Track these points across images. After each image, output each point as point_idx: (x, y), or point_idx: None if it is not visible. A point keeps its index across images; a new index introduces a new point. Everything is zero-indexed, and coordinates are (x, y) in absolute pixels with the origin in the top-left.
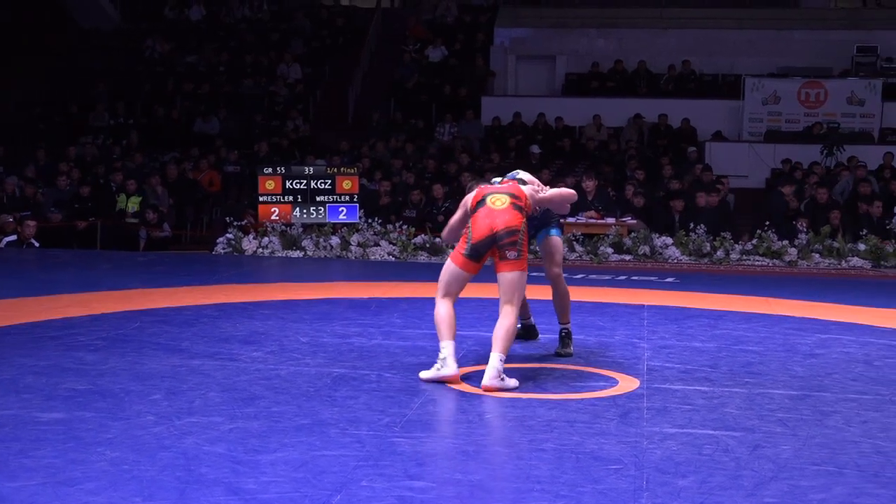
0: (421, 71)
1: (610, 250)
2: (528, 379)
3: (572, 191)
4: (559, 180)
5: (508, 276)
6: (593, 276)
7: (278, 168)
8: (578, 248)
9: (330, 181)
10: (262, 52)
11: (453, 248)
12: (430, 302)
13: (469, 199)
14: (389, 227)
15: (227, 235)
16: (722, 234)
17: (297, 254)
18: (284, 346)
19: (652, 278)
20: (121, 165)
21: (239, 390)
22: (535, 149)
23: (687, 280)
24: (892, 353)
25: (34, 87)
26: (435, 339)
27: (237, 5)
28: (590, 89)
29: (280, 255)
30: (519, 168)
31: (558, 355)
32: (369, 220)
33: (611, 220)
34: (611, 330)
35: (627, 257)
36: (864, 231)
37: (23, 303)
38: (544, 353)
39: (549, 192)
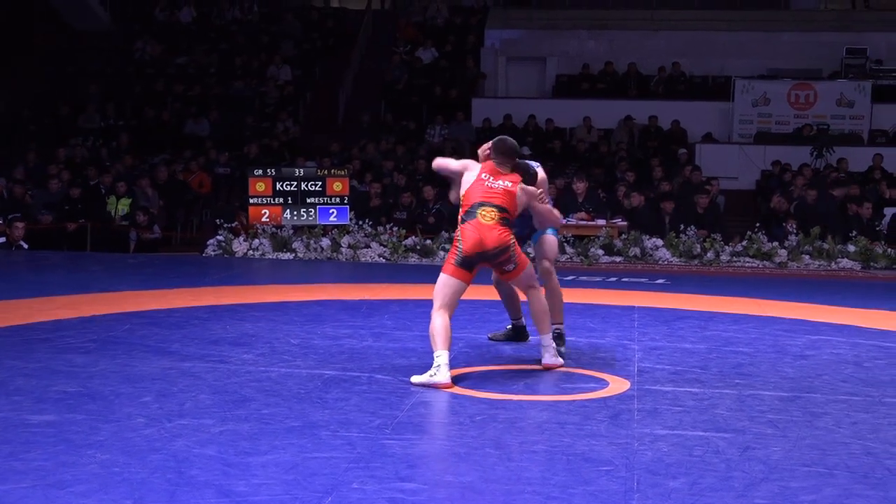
0: (411, 72)
1: (601, 252)
2: (518, 380)
3: (560, 218)
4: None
5: (516, 278)
6: (584, 278)
7: (268, 170)
8: (569, 249)
9: (320, 183)
10: (253, 53)
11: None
12: (422, 304)
13: (471, 174)
14: (380, 228)
15: (218, 237)
16: (712, 235)
17: (287, 256)
18: (275, 348)
19: (642, 280)
20: (111, 167)
21: (230, 392)
22: (526, 150)
23: (677, 281)
24: (881, 354)
25: (24, 89)
26: (426, 340)
27: (227, 7)
28: (580, 91)
29: (270, 256)
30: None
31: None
32: (360, 222)
33: (601, 222)
34: (601, 331)
35: (618, 259)
36: (854, 232)
37: (12, 305)
38: (535, 354)
39: (544, 207)
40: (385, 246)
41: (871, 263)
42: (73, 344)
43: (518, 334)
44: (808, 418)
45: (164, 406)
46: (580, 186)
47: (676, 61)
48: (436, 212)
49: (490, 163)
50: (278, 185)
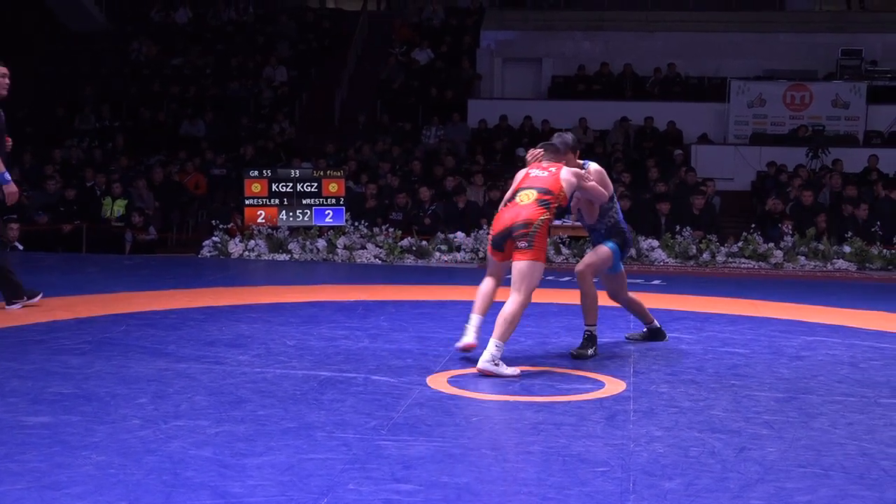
0: (407, 73)
1: None
2: (514, 381)
3: (605, 193)
4: None
5: (518, 264)
6: None
7: (264, 171)
8: (565, 250)
9: (316, 184)
10: (249, 54)
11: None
12: (418, 305)
13: (517, 178)
14: (376, 229)
15: (214, 238)
16: (708, 236)
17: (283, 257)
18: (271, 350)
19: (638, 281)
20: (107, 168)
21: (225, 394)
22: (522, 152)
23: (673, 282)
24: (877, 354)
25: (20, 90)
26: (421, 342)
27: (223, 8)
28: (576, 92)
29: (266, 258)
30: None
31: (573, 356)
32: (356, 223)
33: None
34: (597, 333)
35: None
36: (849, 233)
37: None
38: (531, 355)
39: (591, 184)
40: (381, 247)
41: (867, 264)
42: (68, 345)
43: (654, 335)
44: (804, 419)
45: (159, 407)
46: None
47: (672, 62)
48: (431, 213)
49: (539, 163)
50: (274, 187)
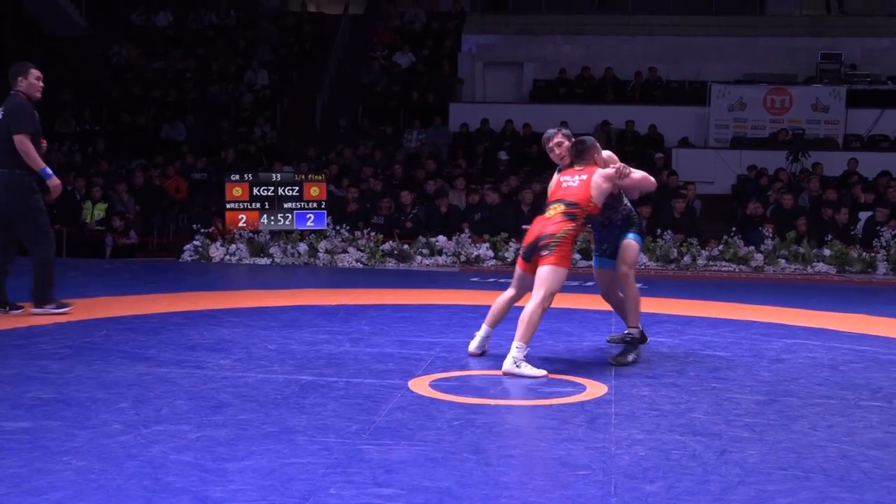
0: (389, 77)
1: (577, 256)
2: (495, 385)
3: (653, 179)
4: (526, 186)
5: (541, 269)
6: None
7: (245, 175)
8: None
9: (297, 188)
10: (230, 58)
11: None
12: (399, 308)
13: (551, 186)
14: (357, 233)
15: (194, 242)
16: (689, 239)
17: (264, 261)
18: (252, 354)
19: None
20: (87, 172)
21: (206, 398)
22: (503, 155)
23: (654, 286)
24: (857, 357)
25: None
26: (403, 346)
27: (204, 12)
28: (557, 96)
29: (248, 262)
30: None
31: (610, 364)
32: (337, 227)
33: None
34: (579, 336)
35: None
36: (829, 237)
37: None
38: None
39: (636, 174)
40: (362, 251)
41: (847, 267)
42: (48, 350)
43: (636, 340)
44: (785, 422)
45: (140, 412)
46: None
47: (653, 66)
48: (413, 217)
49: (572, 168)
50: (255, 190)
